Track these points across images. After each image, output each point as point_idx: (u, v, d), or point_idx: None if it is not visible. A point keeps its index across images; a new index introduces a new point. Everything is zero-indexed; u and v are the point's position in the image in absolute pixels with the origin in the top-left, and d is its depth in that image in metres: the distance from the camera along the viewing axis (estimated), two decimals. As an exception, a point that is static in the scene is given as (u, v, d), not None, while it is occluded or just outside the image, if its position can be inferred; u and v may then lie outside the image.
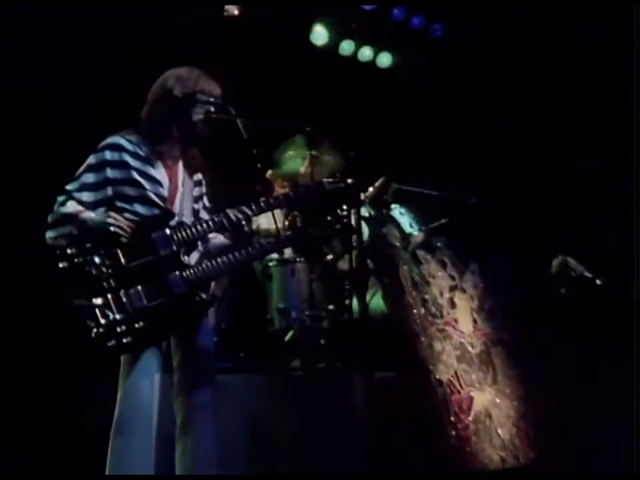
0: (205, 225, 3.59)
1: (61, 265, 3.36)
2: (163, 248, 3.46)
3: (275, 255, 5.87)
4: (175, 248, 3.49)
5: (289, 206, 3.96)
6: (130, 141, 3.61)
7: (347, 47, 8.10)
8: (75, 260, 3.35)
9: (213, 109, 3.71)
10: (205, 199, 3.91)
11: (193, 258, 3.65)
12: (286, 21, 7.37)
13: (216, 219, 3.63)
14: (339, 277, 5.74)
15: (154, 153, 3.62)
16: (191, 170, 3.77)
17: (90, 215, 3.45)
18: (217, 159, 3.90)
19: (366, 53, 8.22)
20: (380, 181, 5.84)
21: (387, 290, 5.15)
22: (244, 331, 5.66)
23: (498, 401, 5.06)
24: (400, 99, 7.78)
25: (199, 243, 3.72)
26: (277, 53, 7.25)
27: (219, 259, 3.57)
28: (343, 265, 5.59)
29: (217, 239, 3.82)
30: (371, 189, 5.82)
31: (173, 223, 3.55)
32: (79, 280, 3.34)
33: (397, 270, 5.04)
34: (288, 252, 6.01)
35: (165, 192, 3.61)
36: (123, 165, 3.54)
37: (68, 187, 3.55)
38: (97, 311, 3.29)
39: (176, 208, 3.64)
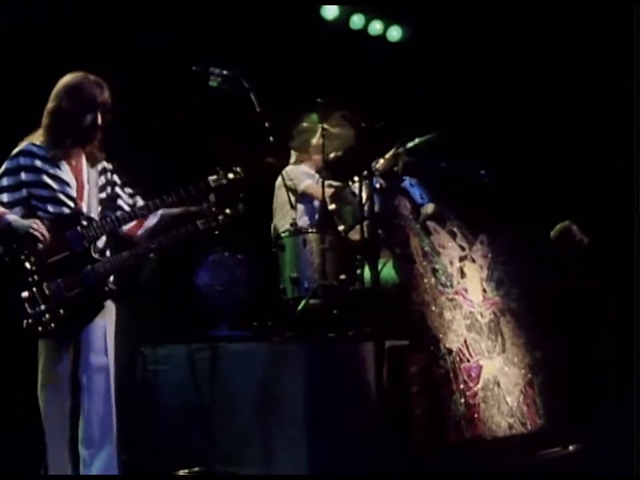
0: (108, 221, 4.05)
1: None
2: (76, 245, 3.95)
3: (287, 226, 5.94)
4: (86, 245, 3.96)
5: (179, 204, 4.18)
6: (39, 147, 4.04)
7: (357, 20, 8.17)
8: (6, 259, 3.85)
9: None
10: (117, 187, 4.28)
11: (108, 251, 4.13)
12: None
13: (109, 218, 4.07)
14: (350, 247, 5.78)
15: (58, 156, 4.04)
16: (93, 163, 4.16)
17: (14, 217, 3.89)
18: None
19: (376, 26, 8.28)
20: (390, 152, 5.88)
21: (398, 260, 5.20)
22: (257, 300, 5.72)
23: (506, 369, 5.14)
24: (409, 72, 7.83)
25: (108, 237, 4.13)
26: (288, 28, 7.29)
27: (121, 254, 4.06)
28: (355, 235, 5.64)
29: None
30: (381, 160, 5.86)
31: (83, 219, 4.00)
32: (10, 276, 3.83)
33: (407, 240, 5.11)
34: (301, 222, 6.09)
35: (73, 192, 4.05)
36: (34, 169, 4.00)
37: None
38: (26, 304, 3.78)
39: (85, 204, 4.08)
